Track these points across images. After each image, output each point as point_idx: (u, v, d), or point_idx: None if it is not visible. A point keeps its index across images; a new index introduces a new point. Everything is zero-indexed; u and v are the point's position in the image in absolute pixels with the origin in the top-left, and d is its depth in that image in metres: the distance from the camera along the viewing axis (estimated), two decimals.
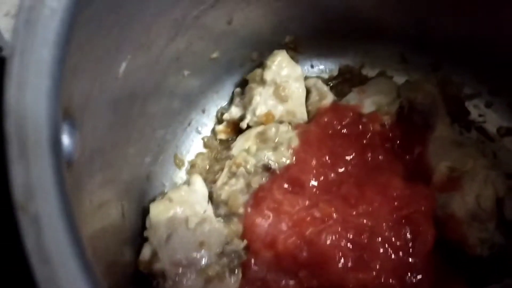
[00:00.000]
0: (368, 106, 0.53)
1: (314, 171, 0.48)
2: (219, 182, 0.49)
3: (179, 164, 0.53)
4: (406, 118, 0.53)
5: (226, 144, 0.54)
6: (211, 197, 0.50)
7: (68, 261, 0.23)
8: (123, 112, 0.38)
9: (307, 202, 0.46)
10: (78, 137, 0.28)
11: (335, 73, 0.60)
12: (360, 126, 0.52)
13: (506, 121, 0.56)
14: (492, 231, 0.45)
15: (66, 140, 0.26)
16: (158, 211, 0.46)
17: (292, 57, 0.56)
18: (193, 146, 0.55)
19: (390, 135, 0.52)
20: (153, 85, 0.43)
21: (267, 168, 0.48)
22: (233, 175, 0.49)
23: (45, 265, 0.21)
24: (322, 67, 0.60)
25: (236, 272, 0.45)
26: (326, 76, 0.60)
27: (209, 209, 0.48)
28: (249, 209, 0.49)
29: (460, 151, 0.49)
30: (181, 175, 0.53)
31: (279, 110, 0.52)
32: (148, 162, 0.48)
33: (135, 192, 0.46)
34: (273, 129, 0.50)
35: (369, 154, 0.50)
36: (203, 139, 0.55)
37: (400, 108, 0.53)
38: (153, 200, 0.48)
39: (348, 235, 0.44)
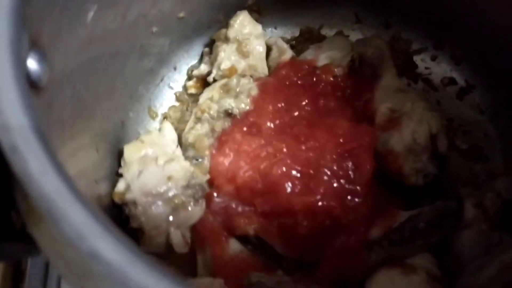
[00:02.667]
0: (322, 60, 0.59)
1: (270, 115, 0.54)
2: (186, 128, 0.55)
3: (153, 116, 0.59)
4: (357, 70, 0.59)
5: (196, 98, 0.60)
6: (180, 143, 0.56)
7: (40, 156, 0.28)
8: (94, 59, 0.44)
9: (262, 142, 0.52)
10: (47, 68, 0.34)
11: (297, 33, 0.66)
12: (314, 78, 0.57)
13: (448, 72, 0.61)
14: (426, 162, 0.51)
15: (33, 64, 0.32)
16: (131, 151, 0.52)
17: (257, 20, 0.61)
18: (165, 100, 0.61)
19: (342, 84, 0.57)
20: (123, 38, 0.48)
21: (228, 113, 0.54)
22: (198, 120, 0.55)
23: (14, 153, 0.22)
24: (285, 29, 0.66)
25: (200, 202, 0.51)
26: (288, 36, 0.66)
27: (178, 151, 0.54)
28: (213, 151, 0.55)
29: (402, 96, 0.55)
30: (155, 125, 0.59)
31: (241, 64, 0.58)
32: (122, 110, 0.54)
33: (110, 136, 0.52)
34: (235, 80, 0.56)
35: (321, 101, 0.56)
36: (175, 94, 0.61)
37: (352, 61, 0.59)
38: None
39: (296, 166, 0.50)
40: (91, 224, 0.18)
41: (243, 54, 0.58)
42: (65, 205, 0.19)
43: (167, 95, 0.61)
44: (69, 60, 0.39)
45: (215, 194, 0.52)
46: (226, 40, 0.58)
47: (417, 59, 0.63)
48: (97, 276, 0.20)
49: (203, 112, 0.54)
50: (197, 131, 0.54)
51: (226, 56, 0.57)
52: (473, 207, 0.49)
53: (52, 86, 0.36)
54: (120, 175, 0.51)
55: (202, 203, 0.52)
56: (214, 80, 0.58)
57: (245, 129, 0.54)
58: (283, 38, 0.64)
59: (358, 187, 0.49)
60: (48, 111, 0.35)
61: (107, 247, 0.18)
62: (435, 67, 0.62)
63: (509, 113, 0.56)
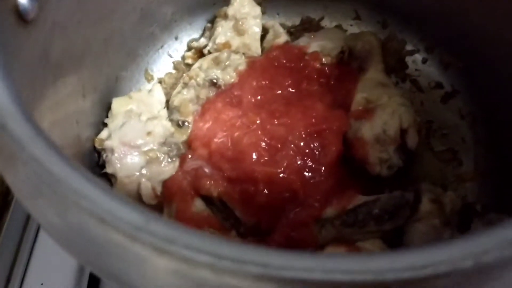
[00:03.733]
0: (313, 47, 0.62)
1: (253, 90, 0.57)
2: (174, 92, 0.59)
3: (148, 78, 0.63)
4: (345, 62, 0.61)
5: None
6: (168, 106, 0.60)
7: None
8: (90, 10, 0.48)
9: (240, 113, 0.55)
10: (36, 4, 0.38)
11: (297, 22, 0.68)
12: (302, 63, 0.60)
13: (436, 76, 0.63)
14: (391, 153, 0.53)
15: None
16: (118, 104, 0.56)
17: (260, 3, 0.65)
18: (163, 66, 0.65)
19: (327, 72, 0.60)
20: None
21: (213, 83, 0.58)
22: (185, 85, 0.58)
23: None
24: (287, 16, 0.69)
25: (174, 160, 0.55)
26: (289, 24, 0.68)
27: (163, 112, 0.58)
28: (196, 117, 0.58)
29: (382, 89, 0.57)
30: (148, 87, 0.63)
31: (236, 41, 0.62)
32: (117, 65, 0.58)
33: (102, 87, 0.56)
34: (226, 54, 0.59)
35: (304, 84, 0.59)
36: (173, 62, 0.65)
37: (342, 53, 0.61)
38: None
39: (266, 139, 0.52)
40: (5, 103, 0.22)
41: (239, 31, 0.61)
42: None
43: (165, 62, 0.65)
44: (63, 3, 0.43)
45: (189, 156, 0.55)
46: (225, 16, 0.62)
47: (408, 60, 0.64)
48: (15, 158, 0.23)
49: (190, 78, 0.58)
50: (183, 96, 0.58)
51: (223, 32, 0.61)
52: (430, 201, 0.51)
53: (42, 24, 0.40)
54: (106, 125, 0.55)
55: (176, 162, 0.55)
56: (209, 53, 0.62)
57: (227, 99, 0.57)
58: (283, 25, 0.67)
59: (321, 167, 0.52)
60: (34, 45, 0.39)
61: (15, 122, 0.21)
62: (425, 70, 0.63)
63: (486, 122, 0.58)
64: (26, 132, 0.21)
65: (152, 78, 0.64)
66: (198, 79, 0.57)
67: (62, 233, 0.26)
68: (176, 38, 0.65)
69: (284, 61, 0.60)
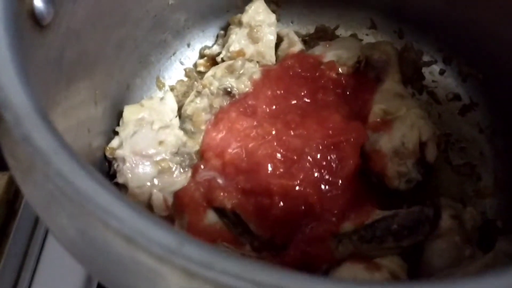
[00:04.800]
0: (329, 57, 0.60)
1: (268, 100, 0.56)
2: (187, 100, 0.58)
3: (159, 86, 0.62)
4: (361, 72, 0.60)
5: (204, 76, 0.63)
6: (180, 114, 0.58)
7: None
8: (104, 15, 0.47)
9: (255, 123, 0.54)
10: (52, 9, 0.37)
11: (312, 30, 0.67)
12: (318, 72, 0.59)
13: (454, 88, 0.61)
14: (410, 167, 0.51)
15: (39, 2, 0.35)
16: (130, 112, 0.55)
17: (274, 11, 0.64)
18: (174, 74, 0.63)
19: (343, 82, 0.59)
20: (136, 2, 0.51)
21: (227, 92, 0.56)
22: (198, 94, 0.57)
23: None
24: (301, 24, 0.68)
25: (186, 171, 0.53)
26: (303, 32, 0.67)
27: (175, 121, 0.57)
28: (209, 126, 0.57)
29: (400, 101, 0.56)
30: (160, 95, 0.62)
31: (250, 49, 0.60)
32: (129, 72, 0.56)
33: (113, 94, 0.54)
34: (240, 62, 0.58)
35: (320, 95, 0.57)
36: (185, 69, 0.64)
37: (358, 62, 0.60)
38: None
39: (281, 150, 0.51)
40: (28, 111, 0.20)
41: (253, 39, 0.60)
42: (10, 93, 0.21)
43: (177, 69, 0.64)
44: (78, 9, 0.42)
45: (202, 166, 0.54)
46: (240, 24, 0.61)
47: (425, 71, 0.63)
48: (35, 170, 0.22)
49: (204, 87, 0.56)
50: (196, 105, 0.56)
51: (237, 39, 0.60)
52: (450, 217, 0.49)
53: (57, 28, 0.39)
54: (117, 133, 0.54)
55: (188, 172, 0.54)
56: (223, 61, 0.61)
57: (241, 109, 0.56)
58: (297, 33, 0.65)
59: (338, 180, 0.50)
60: (48, 50, 0.38)
61: (39, 133, 0.20)
62: (442, 81, 0.62)
63: (506, 135, 0.56)
64: (51, 145, 0.20)
65: (164, 86, 0.62)
66: (211, 88, 0.56)
67: (81, 248, 0.24)
68: (189, 45, 0.64)
69: (300, 70, 0.59)
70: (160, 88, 0.62)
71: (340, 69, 0.58)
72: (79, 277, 0.56)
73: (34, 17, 0.35)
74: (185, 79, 0.64)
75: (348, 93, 0.58)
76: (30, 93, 0.21)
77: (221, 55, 0.61)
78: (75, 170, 0.19)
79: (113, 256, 0.20)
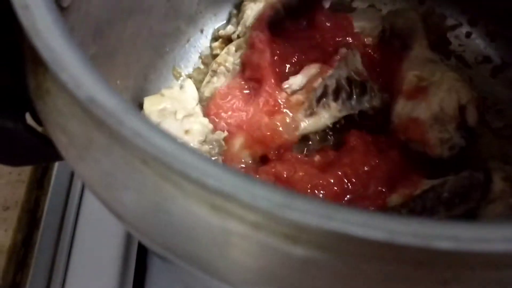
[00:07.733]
0: None
1: None
2: (204, 82, 0.55)
3: (176, 76, 0.59)
4: (387, 42, 0.57)
5: None
6: (200, 100, 0.55)
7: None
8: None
9: None
10: None
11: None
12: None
13: (483, 50, 0.59)
14: (452, 132, 0.49)
15: None
16: (151, 103, 0.52)
17: None
18: (190, 62, 0.61)
19: (372, 54, 0.56)
20: None
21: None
22: (214, 73, 0.54)
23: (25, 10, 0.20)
24: None
25: (216, 159, 0.51)
26: None
27: (198, 108, 0.54)
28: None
29: (432, 66, 0.53)
30: (178, 84, 0.59)
31: None
32: (145, 62, 0.54)
33: (131, 85, 0.52)
34: None
35: None
36: (200, 57, 0.61)
37: (382, 32, 0.57)
38: None
39: None
40: (88, 73, 0.18)
41: None
42: (64, 56, 0.18)
43: (192, 57, 0.61)
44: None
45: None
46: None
47: (450, 36, 0.60)
48: (96, 144, 0.19)
49: (219, 65, 0.54)
50: (213, 85, 0.54)
51: (252, 14, 0.57)
52: (502, 180, 0.46)
53: (77, 11, 0.36)
54: None
55: (219, 160, 0.51)
56: (238, 37, 0.58)
57: None
58: None
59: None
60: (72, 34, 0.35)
61: (102, 93, 0.17)
62: (469, 44, 0.60)
63: None
64: (118, 104, 0.17)
65: (180, 75, 0.59)
66: (227, 64, 0.53)
67: (151, 224, 0.21)
68: (202, 31, 0.61)
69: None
70: (177, 78, 0.59)
71: (366, 41, 0.56)
72: (111, 282, 0.53)
73: None
74: (202, 66, 0.61)
75: (376, 64, 0.56)
76: (82, 56, 0.18)
77: (237, 32, 0.58)
78: (152, 130, 0.16)
79: (194, 227, 0.18)
